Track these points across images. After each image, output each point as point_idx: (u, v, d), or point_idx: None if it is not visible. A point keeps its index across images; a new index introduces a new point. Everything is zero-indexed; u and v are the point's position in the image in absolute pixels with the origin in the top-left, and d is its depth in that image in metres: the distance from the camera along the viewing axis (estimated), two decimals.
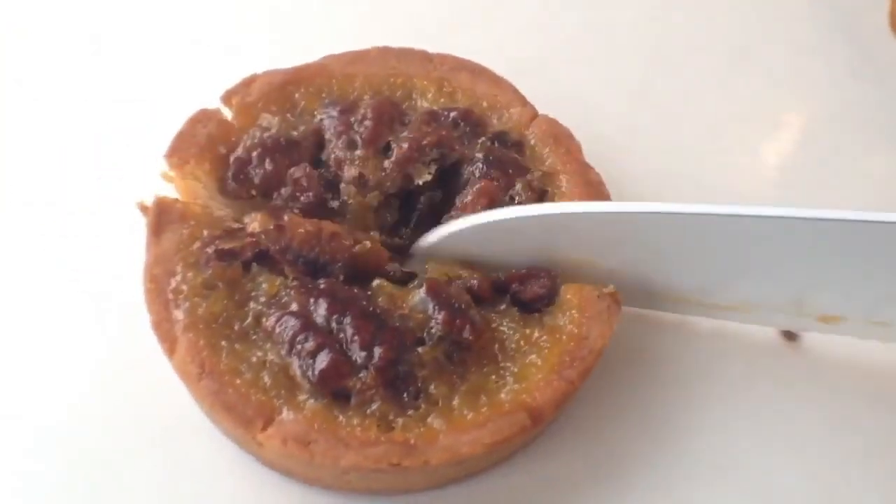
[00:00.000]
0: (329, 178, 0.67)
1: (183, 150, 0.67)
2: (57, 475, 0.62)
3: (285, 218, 0.62)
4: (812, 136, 0.82)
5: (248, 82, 0.71)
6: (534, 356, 0.60)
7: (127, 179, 0.75)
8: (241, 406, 0.56)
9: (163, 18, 0.88)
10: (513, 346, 0.61)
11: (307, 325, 0.58)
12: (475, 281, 0.62)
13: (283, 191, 0.66)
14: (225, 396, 0.57)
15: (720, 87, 0.84)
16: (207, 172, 0.67)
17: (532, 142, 0.69)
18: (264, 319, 0.59)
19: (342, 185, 0.66)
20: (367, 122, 0.67)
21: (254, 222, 0.63)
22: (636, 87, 0.83)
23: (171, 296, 0.60)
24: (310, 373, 0.57)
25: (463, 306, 0.60)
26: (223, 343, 0.58)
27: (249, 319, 0.60)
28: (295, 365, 0.57)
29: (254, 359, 0.58)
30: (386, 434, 0.56)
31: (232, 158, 0.67)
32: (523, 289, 0.62)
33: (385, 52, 0.73)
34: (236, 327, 0.59)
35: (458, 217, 0.65)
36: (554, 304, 0.62)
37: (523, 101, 0.72)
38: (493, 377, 0.59)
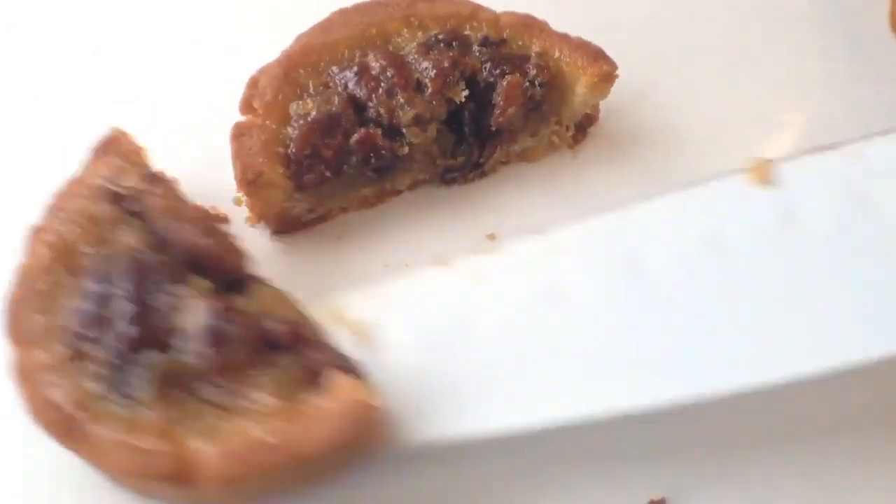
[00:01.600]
0: (384, 130, 0.70)
1: (250, 164, 0.69)
2: (58, 474, 0.62)
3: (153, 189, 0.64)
4: (812, 136, 0.82)
5: (253, 84, 0.73)
6: (250, 421, 0.56)
7: None
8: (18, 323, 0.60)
9: (163, 18, 0.88)
10: (244, 401, 0.57)
11: (99, 279, 0.60)
12: (284, 327, 0.59)
13: (351, 160, 0.70)
14: (16, 310, 0.60)
15: (720, 87, 0.84)
16: (281, 175, 0.69)
17: (511, 35, 0.76)
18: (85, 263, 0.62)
19: (405, 130, 0.70)
20: (391, 70, 0.71)
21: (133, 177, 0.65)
22: (636, 87, 0.83)
23: (56, 211, 0.64)
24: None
25: (230, 336, 0.58)
26: (56, 266, 0.61)
27: (84, 262, 0.62)
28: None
29: (51, 290, 0.61)
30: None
31: (293, 153, 0.69)
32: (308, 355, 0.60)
33: (345, 13, 0.77)
34: (74, 260, 0.62)
35: (504, 116, 0.72)
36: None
37: (480, 7, 0.77)
38: (194, 417, 0.56)
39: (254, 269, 0.65)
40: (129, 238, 0.63)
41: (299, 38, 0.76)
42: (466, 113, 0.73)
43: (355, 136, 0.70)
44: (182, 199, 0.65)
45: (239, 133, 0.71)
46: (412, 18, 0.76)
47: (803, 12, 0.89)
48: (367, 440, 0.58)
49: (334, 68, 0.73)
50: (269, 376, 0.58)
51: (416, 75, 0.72)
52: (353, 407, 0.56)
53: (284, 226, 0.73)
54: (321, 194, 0.72)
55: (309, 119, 0.70)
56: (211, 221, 0.64)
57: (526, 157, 0.79)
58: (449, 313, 0.62)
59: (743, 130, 0.81)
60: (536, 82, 0.74)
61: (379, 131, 0.70)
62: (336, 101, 0.71)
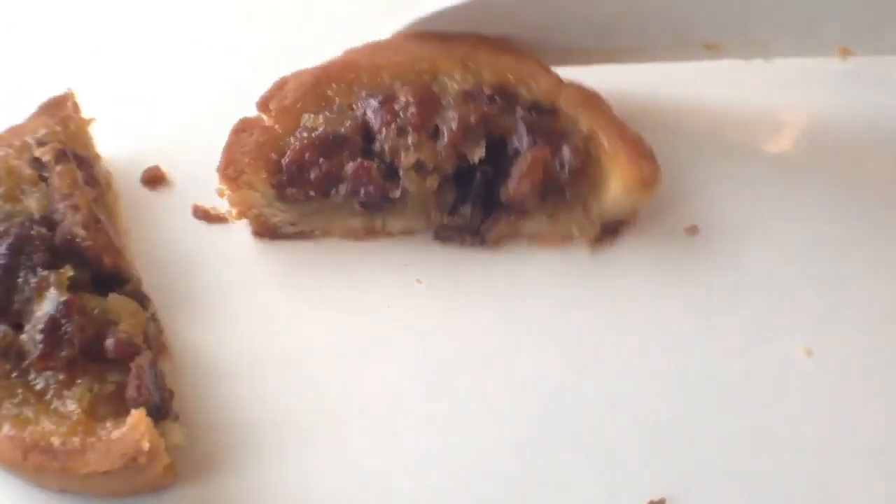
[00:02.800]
0: (384, 168, 0.67)
1: (235, 160, 0.68)
2: None
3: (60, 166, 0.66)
4: (812, 135, 0.82)
5: (280, 85, 0.71)
6: (50, 421, 0.58)
7: None
8: None
9: (163, 18, 0.87)
10: (57, 401, 0.59)
11: None
12: (117, 341, 0.60)
13: (341, 187, 0.67)
14: None
15: (720, 86, 0.84)
16: (263, 180, 0.68)
17: (565, 107, 0.70)
18: None
19: (402, 173, 0.67)
20: (413, 109, 0.68)
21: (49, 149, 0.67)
22: (637, 87, 0.83)
23: None
24: None
25: (64, 333, 0.59)
26: None
27: None
28: None
29: None
30: None
31: (285, 163, 0.67)
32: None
33: (404, 39, 0.73)
34: None
35: (515, 189, 0.68)
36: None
37: (547, 69, 0.72)
38: (8, 393, 0.59)
39: (131, 274, 0.65)
40: (32, 204, 0.64)
41: (347, 52, 0.73)
42: (479, 174, 0.69)
43: (350, 165, 0.67)
44: (78, 185, 0.65)
45: (241, 128, 0.70)
46: (470, 63, 0.71)
47: None
48: (146, 478, 0.59)
49: (364, 91, 0.70)
50: (87, 386, 0.60)
51: (438, 121, 0.68)
52: (133, 450, 0.57)
53: (264, 230, 0.72)
54: (305, 211, 0.70)
55: (313, 135, 0.68)
56: (94, 216, 0.65)
57: (538, 239, 0.72)
58: None
59: (743, 130, 0.81)
60: (566, 163, 0.68)
61: (375, 166, 0.67)
62: (347, 125, 0.68)
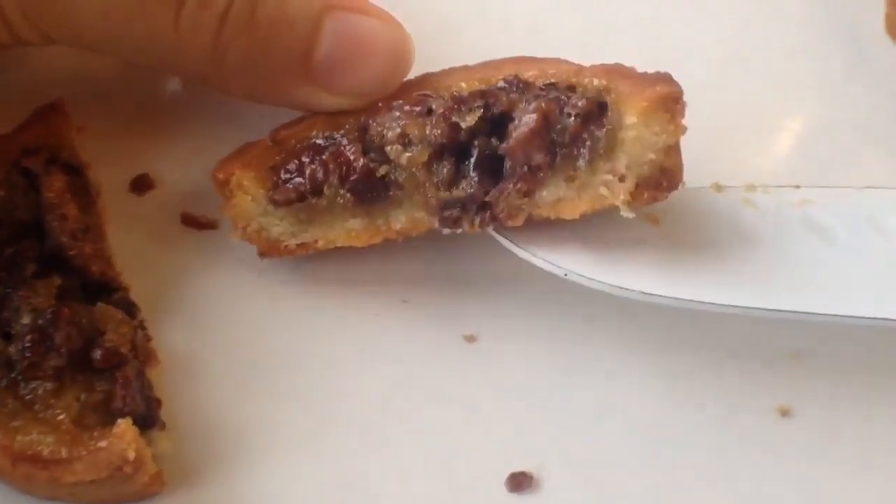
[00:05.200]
0: (374, 154, 0.65)
1: (228, 168, 0.67)
2: None
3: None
4: (808, 139, 0.81)
5: (298, 119, 0.70)
6: (38, 430, 0.59)
7: None
8: None
9: None
10: (46, 411, 0.60)
11: None
12: (104, 351, 0.61)
13: (331, 178, 0.65)
14: None
15: (716, 90, 0.83)
16: (252, 180, 0.67)
17: (585, 82, 0.65)
18: None
19: (387, 148, 0.64)
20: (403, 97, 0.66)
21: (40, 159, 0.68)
22: None
23: None
24: None
25: (51, 341, 0.60)
26: None
27: None
28: None
29: None
30: None
31: (277, 162, 0.67)
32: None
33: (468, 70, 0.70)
34: None
35: (515, 140, 0.63)
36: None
37: (567, 62, 0.68)
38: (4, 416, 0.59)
39: (120, 283, 0.66)
40: (21, 213, 0.65)
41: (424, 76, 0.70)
42: (477, 141, 0.64)
43: (328, 152, 0.65)
44: (67, 194, 0.66)
45: (243, 148, 0.69)
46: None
47: (799, 16, 0.88)
48: (133, 487, 0.60)
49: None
50: (74, 396, 0.60)
51: (432, 104, 0.65)
52: (119, 459, 0.58)
53: (268, 247, 0.69)
54: (301, 217, 0.68)
55: (310, 140, 0.67)
56: (82, 225, 0.66)
57: (561, 209, 0.64)
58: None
59: (739, 133, 0.81)
60: (574, 110, 0.62)
61: (360, 146, 0.65)
62: (346, 128, 0.67)
